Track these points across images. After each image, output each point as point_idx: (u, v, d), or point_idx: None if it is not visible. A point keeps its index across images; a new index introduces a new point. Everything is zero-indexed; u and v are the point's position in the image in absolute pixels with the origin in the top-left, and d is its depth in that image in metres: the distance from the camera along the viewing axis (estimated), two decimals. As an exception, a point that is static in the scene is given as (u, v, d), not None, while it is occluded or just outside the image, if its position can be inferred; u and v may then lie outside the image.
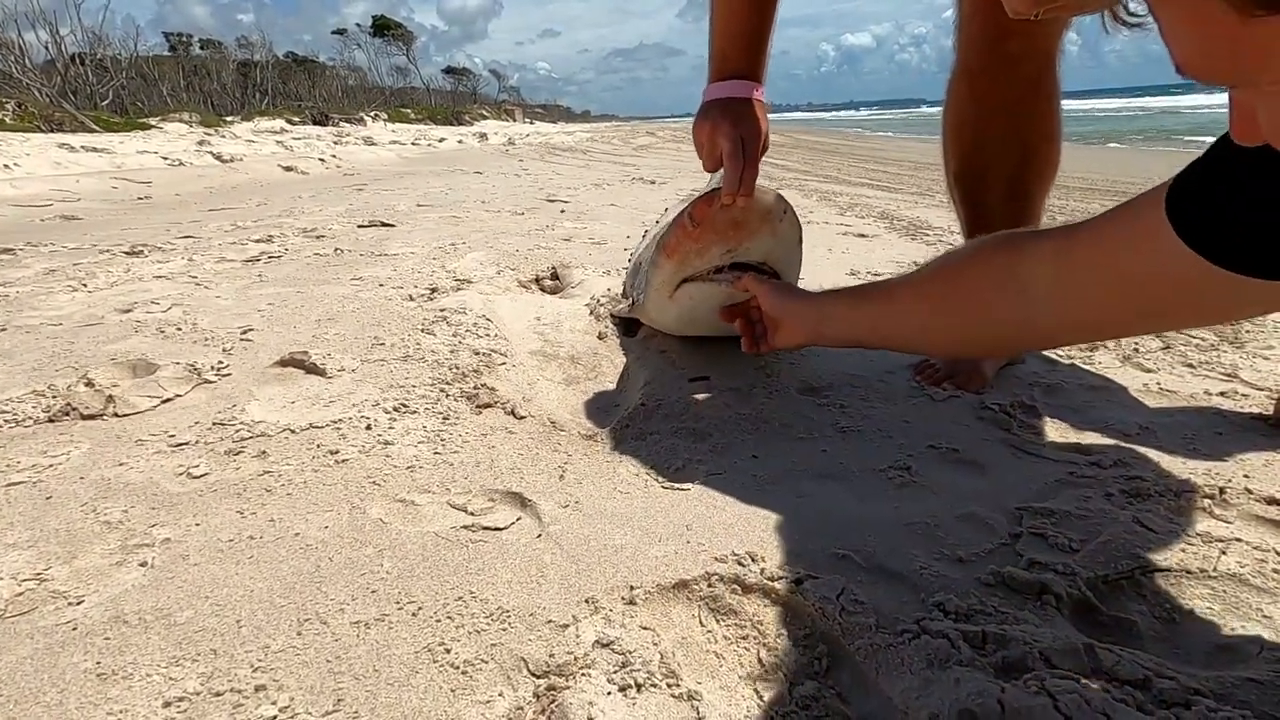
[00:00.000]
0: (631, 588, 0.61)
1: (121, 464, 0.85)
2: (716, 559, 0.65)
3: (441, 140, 12.18)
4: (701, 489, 0.80)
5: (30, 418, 0.97)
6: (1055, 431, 0.99)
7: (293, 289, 1.71)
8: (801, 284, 1.21)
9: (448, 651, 0.54)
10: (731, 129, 0.91)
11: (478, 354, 1.22)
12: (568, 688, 0.51)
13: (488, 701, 0.50)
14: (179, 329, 1.37)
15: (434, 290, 1.67)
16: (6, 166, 5.17)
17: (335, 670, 0.53)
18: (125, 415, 0.99)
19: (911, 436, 0.95)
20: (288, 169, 6.23)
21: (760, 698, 0.51)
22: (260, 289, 1.73)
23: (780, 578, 0.62)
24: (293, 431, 0.94)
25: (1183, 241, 0.52)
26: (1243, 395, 1.11)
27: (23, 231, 2.87)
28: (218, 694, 0.50)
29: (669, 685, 0.51)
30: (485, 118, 25.98)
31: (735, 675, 0.53)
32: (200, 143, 8.54)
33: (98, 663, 0.54)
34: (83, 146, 6.79)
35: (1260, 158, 0.46)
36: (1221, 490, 0.78)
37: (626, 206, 3.59)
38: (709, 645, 0.56)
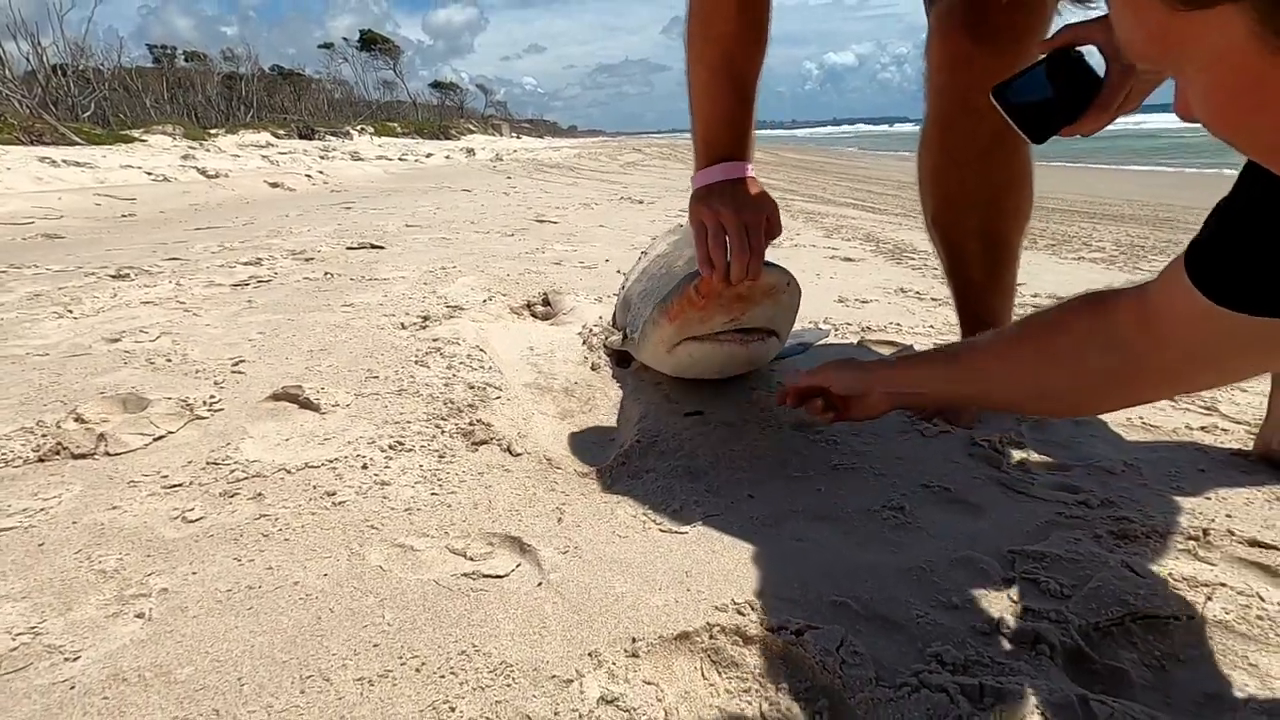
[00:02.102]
0: (634, 639, 0.62)
1: (115, 507, 0.85)
2: (717, 608, 0.66)
3: (429, 156, 12.19)
4: (699, 532, 0.81)
5: (20, 457, 0.96)
6: (1044, 468, 1.01)
7: (283, 316, 1.71)
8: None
9: (452, 710, 0.55)
10: (735, 216, 0.91)
11: (472, 387, 1.22)
12: (573, 747, 0.51)
13: (494, 762, 0.51)
14: (169, 360, 1.37)
15: (426, 318, 1.67)
16: (-14, 182, 5.11)
17: (340, 731, 0.53)
18: (117, 454, 0.98)
19: (904, 475, 0.96)
20: (274, 185, 6.20)
21: (764, 756, 0.52)
22: (250, 316, 1.72)
23: (780, 628, 0.62)
24: (288, 471, 0.93)
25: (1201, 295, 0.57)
26: (1222, 430, 1.14)
27: (4, 252, 2.84)
28: (222, 758, 0.50)
29: (674, 744, 0.52)
30: (472, 132, 26.04)
31: (739, 732, 0.54)
32: (185, 157, 8.49)
33: (98, 724, 0.53)
34: (64, 161, 6.73)
35: (1257, 211, 0.52)
36: (1205, 532, 0.80)
37: (615, 228, 3.61)
38: (712, 699, 0.57)
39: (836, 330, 1.67)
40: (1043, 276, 2.57)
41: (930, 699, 0.54)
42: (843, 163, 14.90)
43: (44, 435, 1.02)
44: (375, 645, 0.61)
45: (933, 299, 2.12)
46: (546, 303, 1.93)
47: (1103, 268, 2.89)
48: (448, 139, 20.55)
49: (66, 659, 0.61)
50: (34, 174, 5.88)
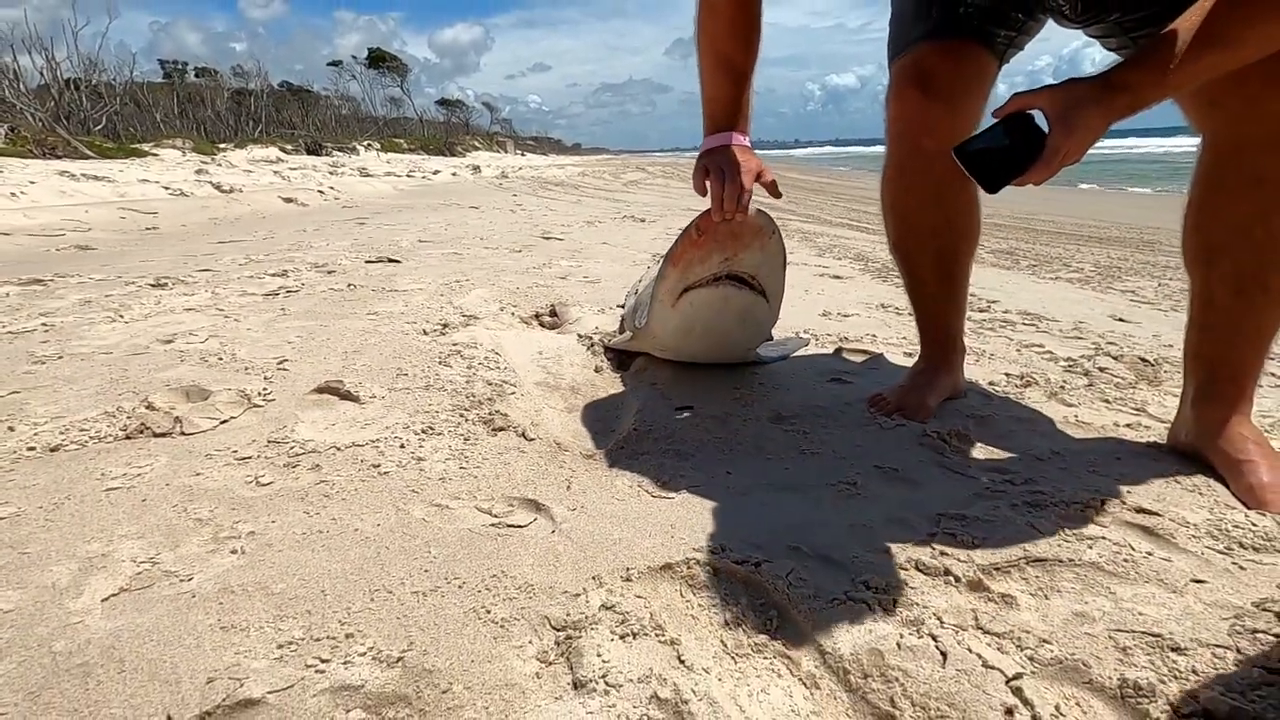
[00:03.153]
0: (628, 569, 0.78)
1: (198, 474, 1.02)
2: (694, 549, 0.82)
3: (436, 173, 12.45)
4: (683, 498, 0.98)
5: (110, 435, 1.13)
6: (982, 455, 1.18)
7: (316, 322, 1.88)
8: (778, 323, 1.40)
9: (489, 612, 0.71)
10: (728, 164, 1.15)
11: (490, 384, 1.39)
12: (581, 636, 0.68)
13: (521, 646, 0.67)
14: (220, 358, 1.54)
15: (445, 325, 1.85)
16: (14, 195, 5.32)
17: (405, 624, 0.69)
18: (191, 434, 1.15)
19: (860, 458, 1.13)
20: (288, 200, 6.42)
21: (725, 644, 0.68)
22: (285, 322, 1.89)
23: (743, 562, 0.79)
24: (338, 449, 1.10)
25: None
26: (1146, 427, 1.30)
27: (43, 262, 3.02)
28: (317, 639, 0.67)
29: (657, 635, 0.68)
30: (477, 149, 26.43)
31: (707, 630, 0.70)
32: (198, 172, 8.72)
33: (219, 619, 0.70)
34: (83, 174, 6.95)
35: None
36: (1103, 502, 0.97)
37: (618, 245, 3.80)
38: (688, 610, 0.73)
39: (816, 340, 1.85)
40: (1019, 295, 2.75)
41: (854, 608, 0.71)
42: (842, 183, 15.17)
43: (127, 418, 1.19)
44: (425, 570, 0.78)
45: (910, 313, 2.29)
46: (553, 313, 2.10)
47: (1077, 287, 3.07)
48: (453, 155, 20.90)
49: (182, 580, 0.77)
50: (57, 187, 6.09)
